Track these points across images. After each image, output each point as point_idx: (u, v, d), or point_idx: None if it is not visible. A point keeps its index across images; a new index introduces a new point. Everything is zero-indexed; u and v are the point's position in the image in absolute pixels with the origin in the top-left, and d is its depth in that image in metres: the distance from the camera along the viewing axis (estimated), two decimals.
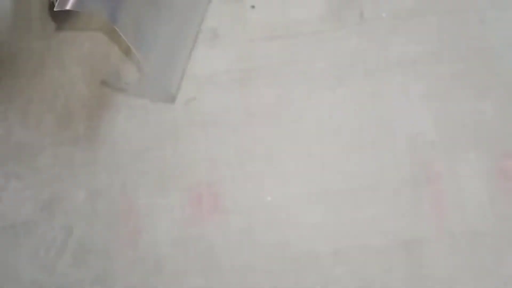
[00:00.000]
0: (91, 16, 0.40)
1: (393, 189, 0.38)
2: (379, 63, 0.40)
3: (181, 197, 0.38)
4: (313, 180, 0.38)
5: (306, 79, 0.40)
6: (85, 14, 0.41)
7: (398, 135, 0.39)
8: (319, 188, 0.38)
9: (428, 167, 0.38)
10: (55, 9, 0.34)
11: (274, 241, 0.37)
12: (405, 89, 0.40)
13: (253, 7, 0.41)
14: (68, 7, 0.33)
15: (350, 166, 0.39)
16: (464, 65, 0.40)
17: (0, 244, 0.37)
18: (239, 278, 0.36)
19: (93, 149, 0.39)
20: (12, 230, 0.37)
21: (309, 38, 0.41)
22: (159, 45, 0.38)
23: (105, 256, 0.37)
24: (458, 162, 0.38)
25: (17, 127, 0.40)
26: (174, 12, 0.39)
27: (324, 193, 0.38)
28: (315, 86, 0.40)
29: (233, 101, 0.40)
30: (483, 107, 0.39)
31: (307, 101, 0.40)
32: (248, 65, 0.40)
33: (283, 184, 0.38)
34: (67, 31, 0.41)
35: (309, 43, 0.41)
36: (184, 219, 0.38)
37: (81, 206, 0.38)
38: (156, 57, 0.38)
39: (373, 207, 0.38)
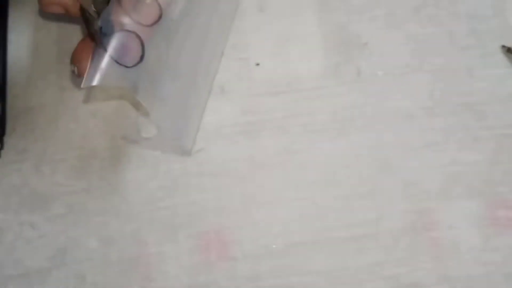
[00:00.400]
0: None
1: (392, 236, 0.40)
2: (376, 116, 0.43)
3: (190, 244, 0.40)
4: (316, 227, 0.40)
5: (308, 131, 0.43)
6: None
7: (396, 185, 0.41)
8: (322, 235, 0.40)
9: (425, 215, 0.41)
10: (82, 86, 0.34)
11: (280, 287, 0.39)
12: (401, 141, 0.42)
13: (257, 64, 0.44)
14: (95, 83, 0.34)
15: (351, 214, 0.41)
16: (456, 118, 0.43)
17: None
18: None
19: (105, 198, 0.41)
20: (26, 279, 0.39)
21: (310, 93, 0.44)
22: (175, 104, 0.40)
23: None
24: (453, 210, 0.41)
25: (31, 177, 0.41)
26: (189, 71, 0.42)
27: (327, 241, 0.40)
28: (316, 138, 0.43)
29: (239, 152, 0.42)
30: (476, 158, 0.42)
31: (309, 151, 0.42)
32: (253, 118, 0.43)
33: (287, 231, 0.40)
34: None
35: (310, 97, 0.43)
36: (193, 267, 0.39)
37: (93, 254, 0.39)
38: (172, 115, 0.40)
39: (373, 254, 0.40)
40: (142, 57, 0.36)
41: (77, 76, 0.35)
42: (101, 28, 0.34)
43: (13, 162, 0.42)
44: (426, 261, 0.40)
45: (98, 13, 0.35)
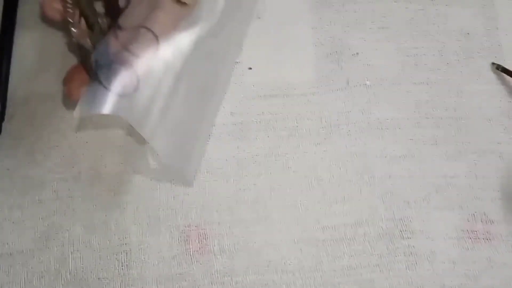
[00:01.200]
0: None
1: (369, 242, 0.41)
2: (361, 125, 0.44)
3: (171, 236, 0.41)
4: (295, 228, 0.41)
5: (295, 135, 0.44)
6: None
7: (376, 192, 0.42)
8: (301, 236, 0.41)
9: (403, 223, 0.41)
10: (74, 116, 0.35)
11: (254, 283, 0.39)
12: (384, 150, 0.43)
13: (250, 68, 0.46)
14: (86, 113, 0.35)
15: (330, 217, 0.41)
16: (440, 131, 0.44)
17: None
18: None
19: (92, 187, 0.42)
20: (10, 258, 0.40)
21: (300, 98, 0.45)
22: (178, 132, 0.40)
23: (95, 287, 0.39)
24: (431, 220, 0.41)
25: (24, 162, 0.43)
26: (196, 100, 0.42)
27: (305, 242, 0.41)
28: (302, 142, 0.44)
29: (227, 152, 0.43)
30: (456, 171, 0.43)
31: (295, 154, 0.43)
32: (241, 120, 0.44)
33: (267, 231, 0.41)
34: None
35: (299, 103, 0.45)
36: (172, 258, 0.40)
37: (76, 240, 0.40)
38: (174, 144, 0.40)
39: (349, 258, 0.40)
40: (137, 88, 0.37)
41: (66, 96, 0.37)
42: (96, 61, 0.35)
43: (9, 147, 0.43)
44: (401, 269, 0.40)
45: (94, 46, 0.36)
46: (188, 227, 0.41)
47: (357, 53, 0.46)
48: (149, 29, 0.37)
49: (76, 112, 0.36)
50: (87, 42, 0.36)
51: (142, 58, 0.37)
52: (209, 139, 0.43)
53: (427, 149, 0.43)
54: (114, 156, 0.43)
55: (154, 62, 0.38)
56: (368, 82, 0.45)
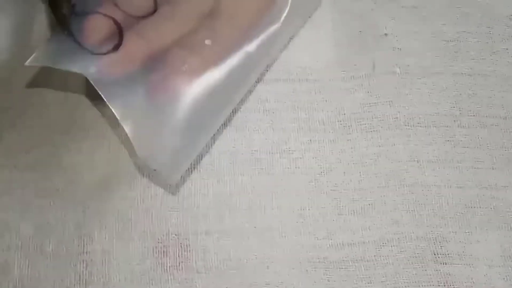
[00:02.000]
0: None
1: (393, 266, 0.32)
2: (388, 120, 0.36)
3: (143, 246, 0.32)
4: (300, 244, 0.33)
5: (305, 129, 0.36)
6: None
7: (403, 203, 0.34)
8: (307, 255, 0.32)
9: (437, 244, 0.33)
10: (26, 64, 0.29)
11: None
12: (415, 152, 0.35)
13: None
14: (45, 62, 0.29)
15: (345, 232, 0.33)
16: (484, 133, 0.35)
17: None
18: None
19: (51, 179, 0.34)
20: None
21: (313, 85, 0.37)
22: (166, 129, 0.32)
23: None
24: (471, 241, 0.33)
25: None
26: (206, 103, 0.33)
27: (311, 262, 0.32)
28: (315, 137, 0.35)
29: (220, 145, 0.35)
30: (503, 182, 0.34)
31: (305, 152, 0.35)
32: (241, 107, 0.36)
33: (265, 245, 0.33)
34: None
35: (313, 90, 0.37)
36: (143, 273, 0.32)
37: (25, 242, 0.32)
38: (155, 140, 0.31)
39: (368, 285, 0.32)
40: (117, 46, 0.30)
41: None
42: (74, 6, 0.29)
43: None
44: None
45: None
46: (166, 235, 0.33)
47: (386, 34, 0.38)
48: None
49: (30, 60, 0.29)
50: None
51: (132, 18, 0.31)
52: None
53: (468, 154, 0.35)
54: (80, 143, 0.35)
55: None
56: (398, 70, 0.37)
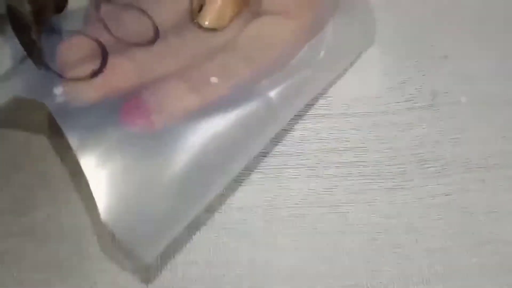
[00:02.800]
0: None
1: None
2: (456, 161, 0.29)
3: None
4: None
5: (355, 174, 0.29)
6: None
7: (483, 266, 0.27)
8: None
9: None
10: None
11: None
12: (490, 201, 0.28)
13: None
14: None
15: None
16: None
17: None
18: None
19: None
20: None
21: (363, 120, 0.30)
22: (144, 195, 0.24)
23: None
24: None
25: None
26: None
27: None
28: (365, 184, 0.29)
29: (250, 199, 0.29)
30: None
31: (356, 205, 0.28)
32: (276, 149, 0.30)
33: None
34: None
35: (362, 127, 0.30)
36: None
37: None
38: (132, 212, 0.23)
39: None
40: (96, 73, 0.24)
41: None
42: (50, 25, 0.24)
43: None
44: None
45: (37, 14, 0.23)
46: None
47: (446, 56, 0.32)
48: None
49: None
50: (25, 7, 0.22)
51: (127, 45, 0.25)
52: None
53: None
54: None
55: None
56: (463, 99, 0.31)
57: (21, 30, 0.22)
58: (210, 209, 0.28)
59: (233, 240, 0.28)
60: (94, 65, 0.24)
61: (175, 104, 0.24)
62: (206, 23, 0.26)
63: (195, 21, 0.26)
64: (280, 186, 0.29)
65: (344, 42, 0.28)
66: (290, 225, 0.28)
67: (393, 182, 0.29)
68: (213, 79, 0.25)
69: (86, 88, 0.24)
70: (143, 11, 0.26)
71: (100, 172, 0.22)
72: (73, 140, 0.22)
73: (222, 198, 0.28)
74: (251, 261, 0.27)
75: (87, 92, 0.24)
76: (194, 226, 0.28)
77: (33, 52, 0.23)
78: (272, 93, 0.26)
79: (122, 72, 0.24)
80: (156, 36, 0.25)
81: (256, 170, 0.29)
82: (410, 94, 0.31)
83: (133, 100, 0.24)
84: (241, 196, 0.29)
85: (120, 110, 0.23)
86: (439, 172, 0.29)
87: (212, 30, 0.27)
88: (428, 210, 0.28)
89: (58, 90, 0.23)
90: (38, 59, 0.23)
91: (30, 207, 0.28)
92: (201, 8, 0.26)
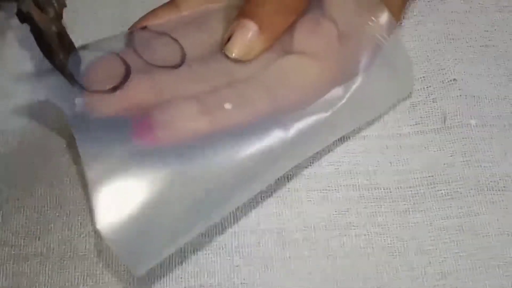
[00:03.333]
0: None
1: None
2: (466, 184, 0.29)
3: None
4: None
5: (365, 196, 0.29)
6: None
7: None
8: None
9: None
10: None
11: None
12: (503, 223, 0.29)
13: None
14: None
15: None
16: None
17: None
18: None
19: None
20: None
21: (373, 143, 0.31)
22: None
23: None
24: None
25: None
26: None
27: None
28: (377, 207, 0.29)
29: (263, 222, 0.29)
30: None
31: (369, 228, 0.29)
32: (292, 172, 0.30)
33: None
34: None
35: (373, 150, 0.30)
36: None
37: None
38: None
39: None
40: (117, 87, 0.25)
41: None
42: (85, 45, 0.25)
43: None
44: None
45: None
46: None
47: (454, 80, 0.32)
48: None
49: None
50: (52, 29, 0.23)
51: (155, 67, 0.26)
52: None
53: None
54: None
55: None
56: (473, 121, 0.31)
57: (50, 56, 0.23)
58: (223, 231, 0.28)
59: (246, 263, 0.28)
60: (116, 82, 0.25)
61: (183, 123, 0.24)
62: (233, 54, 0.26)
63: (223, 51, 0.27)
64: (293, 209, 0.29)
65: (374, 93, 0.28)
66: (303, 248, 0.28)
67: (405, 204, 0.29)
68: (227, 105, 0.25)
69: (105, 101, 0.24)
70: (174, 39, 0.27)
71: (103, 183, 0.23)
72: (83, 150, 0.23)
73: (235, 220, 0.29)
74: (264, 284, 0.27)
75: (106, 105, 0.24)
76: (207, 248, 0.28)
77: (64, 72, 0.23)
78: (289, 131, 0.26)
79: (140, 89, 0.25)
80: (181, 61, 0.26)
81: (269, 193, 0.29)
82: (421, 117, 0.31)
83: (143, 114, 0.24)
84: (254, 219, 0.29)
85: (131, 123, 0.24)
86: (450, 195, 0.29)
87: (238, 61, 0.27)
88: (440, 232, 0.28)
89: (79, 101, 0.24)
90: (66, 75, 0.23)
91: (44, 230, 0.28)
92: (230, 38, 0.27)
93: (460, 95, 0.32)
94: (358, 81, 0.27)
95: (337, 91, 0.27)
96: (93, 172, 0.23)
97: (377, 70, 0.28)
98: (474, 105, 0.31)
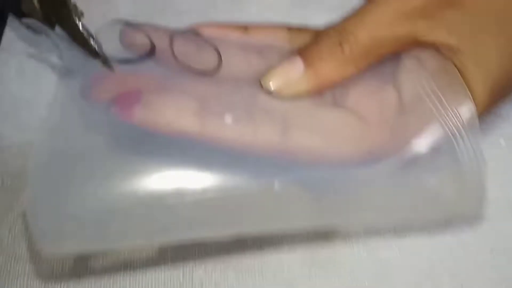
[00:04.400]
0: None
1: None
2: (498, 204, 0.28)
3: None
4: None
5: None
6: None
7: None
8: None
9: None
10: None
11: None
12: None
13: None
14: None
15: None
16: None
17: None
18: None
19: None
20: None
21: None
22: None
23: None
24: None
25: None
26: None
27: None
28: (408, 229, 0.28)
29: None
30: None
31: (396, 250, 0.27)
32: None
33: None
34: None
35: None
36: None
37: None
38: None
39: None
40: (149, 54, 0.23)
41: None
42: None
43: None
44: None
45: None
46: None
47: None
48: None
49: None
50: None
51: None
52: None
53: None
54: None
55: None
56: (502, 141, 0.30)
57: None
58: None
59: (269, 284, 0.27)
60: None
61: (171, 112, 0.21)
62: (269, 82, 0.23)
63: (260, 79, 0.23)
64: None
65: (420, 192, 0.22)
66: (328, 270, 0.27)
67: (437, 227, 0.28)
68: (228, 118, 0.21)
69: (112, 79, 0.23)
70: (217, 51, 0.24)
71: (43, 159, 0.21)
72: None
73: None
74: None
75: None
76: None
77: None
78: (279, 179, 0.21)
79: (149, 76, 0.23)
80: (213, 71, 0.24)
81: None
82: None
83: (136, 90, 0.22)
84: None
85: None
86: (482, 216, 0.28)
87: (270, 93, 0.23)
88: (473, 255, 0.27)
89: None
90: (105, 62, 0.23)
91: None
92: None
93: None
94: (404, 168, 0.21)
95: (370, 169, 0.22)
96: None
97: (435, 165, 0.22)
98: (503, 124, 0.30)
